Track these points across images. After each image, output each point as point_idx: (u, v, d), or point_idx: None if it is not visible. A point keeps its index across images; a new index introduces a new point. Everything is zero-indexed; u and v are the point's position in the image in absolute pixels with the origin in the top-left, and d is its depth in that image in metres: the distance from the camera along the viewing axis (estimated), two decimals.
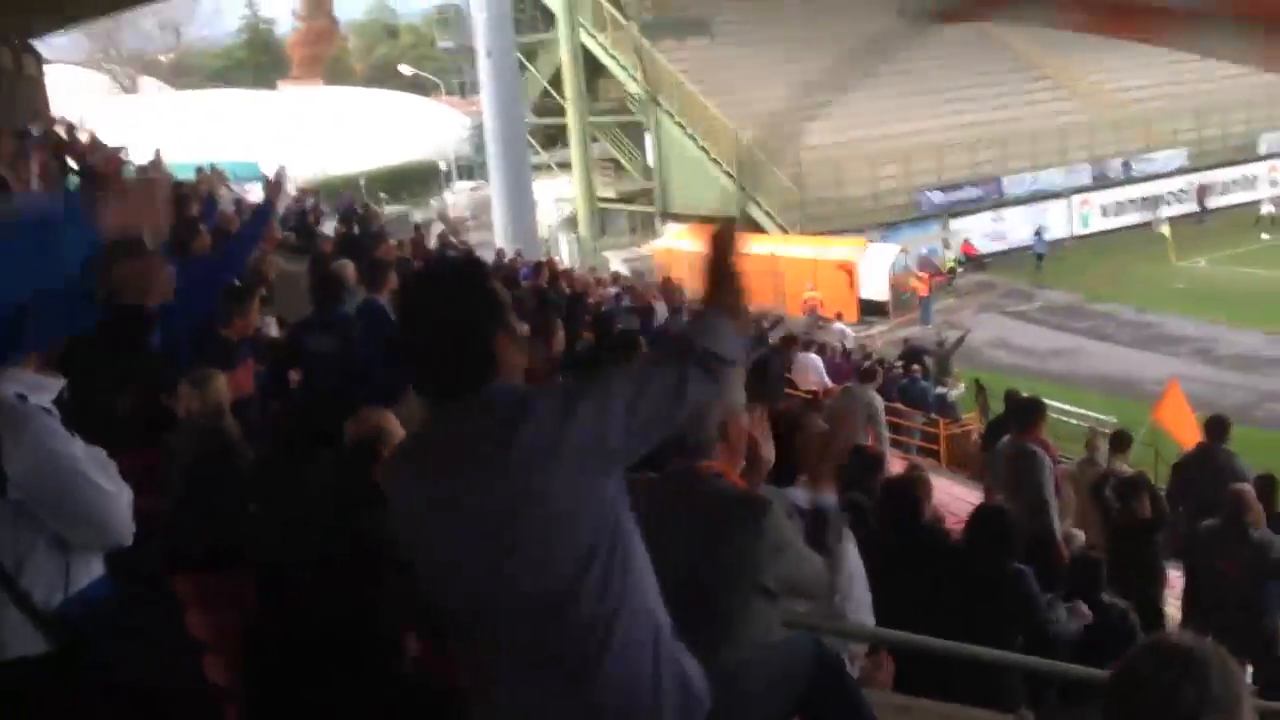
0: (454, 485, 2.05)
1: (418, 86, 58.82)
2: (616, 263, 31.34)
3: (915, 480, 5.39)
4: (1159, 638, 1.70)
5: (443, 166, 48.76)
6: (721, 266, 2.14)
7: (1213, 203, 36.93)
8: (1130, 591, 7.11)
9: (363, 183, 43.90)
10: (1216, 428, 9.47)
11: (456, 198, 47.00)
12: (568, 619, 2.04)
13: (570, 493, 2.01)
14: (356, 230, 17.08)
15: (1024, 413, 8.35)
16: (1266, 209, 32.99)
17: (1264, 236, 32.29)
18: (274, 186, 6.42)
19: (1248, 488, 7.77)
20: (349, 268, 7.43)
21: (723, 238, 2.15)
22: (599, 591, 2.04)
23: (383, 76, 67.67)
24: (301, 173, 34.53)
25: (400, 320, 2.21)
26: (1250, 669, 7.11)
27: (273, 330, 8.06)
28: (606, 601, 2.04)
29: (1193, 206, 36.82)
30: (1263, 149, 38.91)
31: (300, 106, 53.68)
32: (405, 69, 56.44)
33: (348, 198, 26.02)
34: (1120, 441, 10.19)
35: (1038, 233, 32.56)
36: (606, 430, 2.01)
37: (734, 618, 2.75)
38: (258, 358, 6.11)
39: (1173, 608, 8.65)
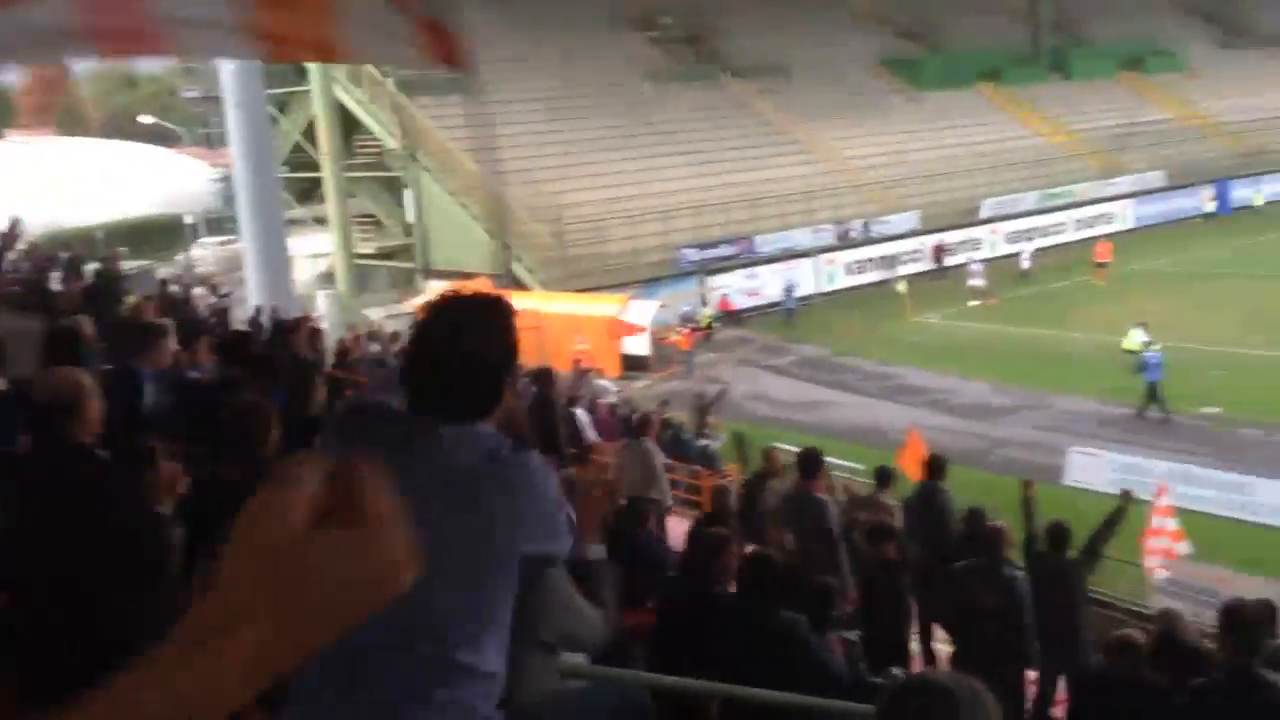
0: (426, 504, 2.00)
1: (159, 136, 56.23)
2: (377, 320, 30.71)
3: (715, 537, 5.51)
4: (920, 675, 1.79)
5: (188, 220, 46.59)
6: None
7: (946, 261, 39.69)
8: (880, 628, 7.45)
9: (100, 236, 41.40)
10: (935, 467, 10.10)
11: (204, 253, 44.97)
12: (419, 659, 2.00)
13: (503, 542, 2.03)
14: (94, 284, 16.04)
15: (809, 462, 8.78)
16: (973, 281, 34.93)
17: (971, 304, 34.49)
18: (7, 237, 5.90)
19: (1004, 525, 8.35)
20: (86, 325, 6.95)
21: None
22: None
23: (121, 126, 64.37)
24: (33, 226, 32.25)
25: (434, 336, 2.17)
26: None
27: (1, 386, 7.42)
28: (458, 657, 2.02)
29: (927, 265, 39.41)
30: (984, 213, 42.18)
31: (30, 157, 50.26)
32: (145, 118, 53.88)
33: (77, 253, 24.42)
34: (885, 477, 10.70)
35: (788, 289, 34.11)
36: (551, 550, 2.18)
37: (513, 674, 2.72)
38: None
39: (916, 641, 9.12)
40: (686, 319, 30.98)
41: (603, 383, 24.51)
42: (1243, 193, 49.03)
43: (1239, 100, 55.65)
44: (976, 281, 34.71)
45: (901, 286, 34.48)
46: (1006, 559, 7.95)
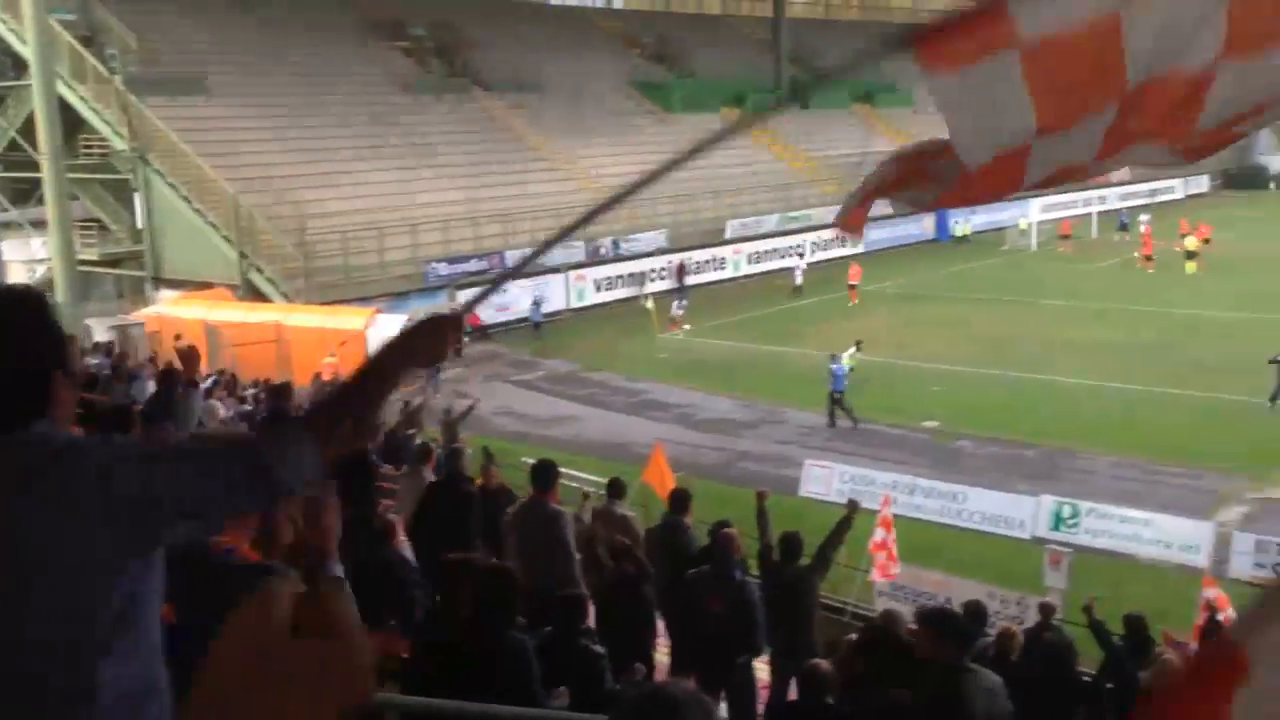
0: None
1: None
2: (101, 330, 28.77)
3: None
4: (648, 686, 1.85)
5: None
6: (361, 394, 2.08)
7: (687, 280, 40.81)
8: (623, 640, 7.55)
9: None
10: (679, 502, 10.30)
11: None
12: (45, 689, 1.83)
13: (89, 549, 1.85)
14: None
15: (543, 475, 8.77)
16: (647, 303, 35.16)
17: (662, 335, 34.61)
18: None
19: (734, 532, 8.63)
20: None
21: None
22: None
23: None
24: None
25: None
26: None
27: None
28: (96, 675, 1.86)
29: (673, 284, 40.42)
30: (729, 233, 43.75)
31: None
32: None
33: None
34: (616, 488, 10.80)
35: (535, 303, 34.22)
36: (161, 494, 1.90)
37: None
38: None
39: (663, 653, 9.31)
40: None
41: None
42: (958, 221, 52.97)
43: None
44: (679, 311, 35.17)
45: (649, 303, 35.24)
46: (737, 564, 8.24)
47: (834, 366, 24.27)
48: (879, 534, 15.10)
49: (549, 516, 8.59)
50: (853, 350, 25.67)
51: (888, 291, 39.49)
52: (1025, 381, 26.83)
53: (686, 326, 34.56)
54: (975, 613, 9.59)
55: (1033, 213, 52.42)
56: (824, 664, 6.70)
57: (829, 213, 47.93)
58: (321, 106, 39.58)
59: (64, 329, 2.09)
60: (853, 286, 38.51)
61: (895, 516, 15.75)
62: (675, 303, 35.56)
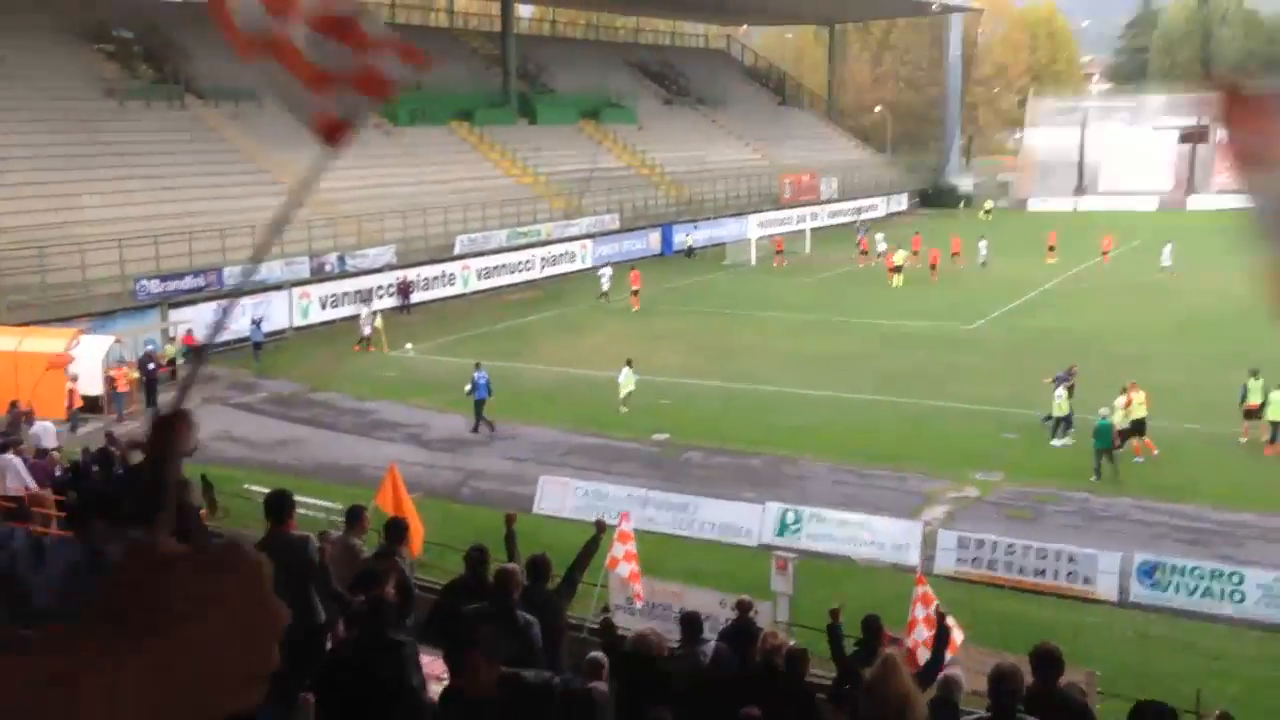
0: None
1: None
2: None
3: None
4: None
5: None
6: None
7: (416, 297, 40.22)
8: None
9: None
10: (350, 517, 10.16)
11: None
12: None
13: None
14: None
15: (278, 504, 8.44)
16: (364, 329, 34.39)
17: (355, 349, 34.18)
18: None
19: (515, 568, 8.53)
20: None
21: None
22: None
23: None
24: None
25: None
26: None
27: None
28: None
29: (400, 301, 39.75)
30: (458, 249, 43.40)
31: None
32: None
33: None
34: (354, 516, 10.37)
35: (255, 323, 32.69)
36: None
37: None
38: None
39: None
40: (148, 357, 28.57)
41: (44, 425, 22.03)
42: (682, 236, 54.69)
43: (680, 152, 62.09)
44: (366, 329, 34.39)
45: (376, 321, 34.47)
46: (518, 603, 8.07)
47: (476, 375, 25.12)
48: (618, 549, 15.28)
49: (296, 544, 8.25)
50: (627, 371, 26.15)
51: (617, 306, 40.24)
52: (748, 392, 27.97)
53: (408, 346, 33.92)
54: (691, 622, 9.85)
55: (750, 229, 54.84)
56: (600, 686, 6.73)
57: (558, 228, 48.50)
58: (16, 112, 36.60)
59: None
60: (635, 292, 39.48)
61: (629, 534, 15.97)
62: (364, 326, 34.44)
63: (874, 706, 7.08)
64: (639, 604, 15.10)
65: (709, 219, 57.35)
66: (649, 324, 37.01)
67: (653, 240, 53.63)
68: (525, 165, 53.16)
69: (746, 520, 19.21)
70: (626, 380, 26.03)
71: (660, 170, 59.75)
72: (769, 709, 7.76)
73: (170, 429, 2.34)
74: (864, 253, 50.25)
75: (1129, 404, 22.50)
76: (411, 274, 40.78)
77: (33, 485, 16.43)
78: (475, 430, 25.08)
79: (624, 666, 7.97)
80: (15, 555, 2.97)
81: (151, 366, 28.00)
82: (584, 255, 49.43)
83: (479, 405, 25.05)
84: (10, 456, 17.12)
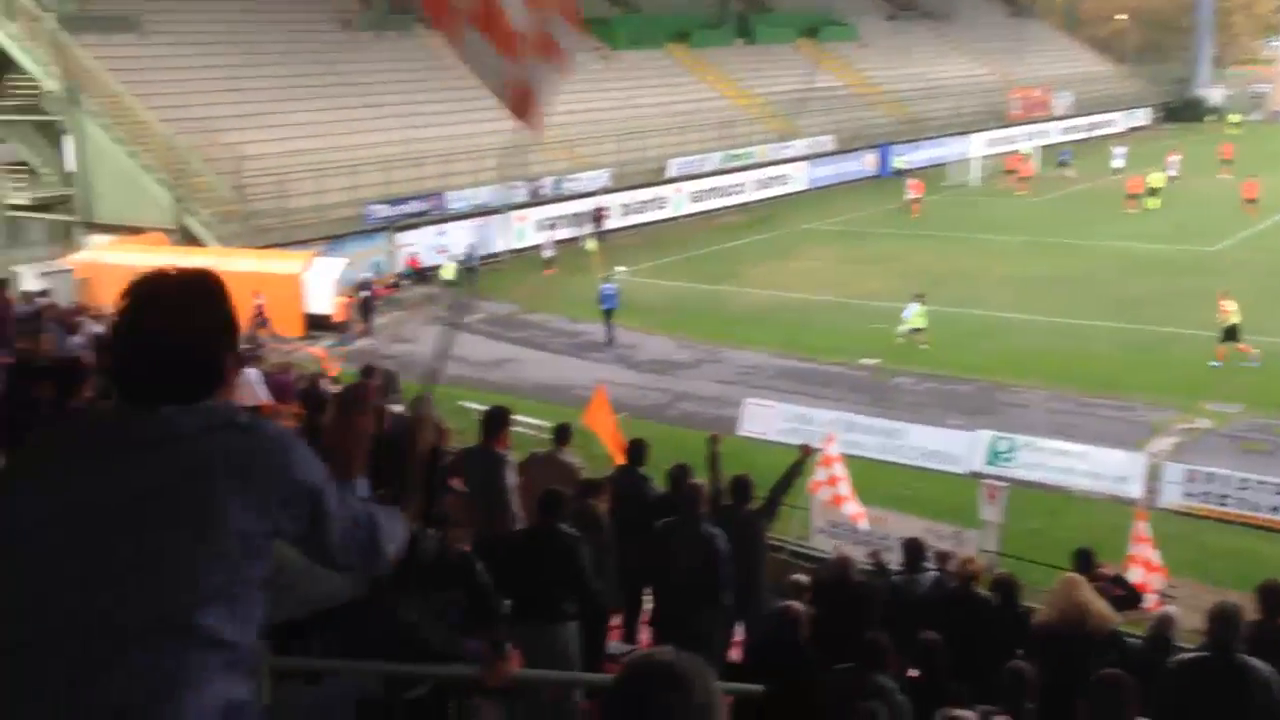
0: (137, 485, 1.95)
1: None
2: (30, 277, 28.16)
3: None
4: (638, 657, 1.81)
5: None
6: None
7: (630, 219, 40.63)
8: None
9: None
10: (634, 451, 10.23)
11: None
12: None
13: (234, 515, 1.99)
14: None
15: (493, 421, 8.85)
16: (546, 253, 35.02)
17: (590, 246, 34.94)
18: None
19: (702, 484, 8.63)
20: None
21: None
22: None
23: None
24: None
25: (136, 325, 2.10)
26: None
27: None
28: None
29: (617, 223, 40.23)
30: (671, 172, 43.49)
31: None
32: None
33: None
34: (562, 434, 10.68)
35: (468, 249, 33.85)
36: (319, 499, 2.17)
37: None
38: None
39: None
40: (361, 285, 29.83)
41: (253, 373, 23.36)
42: (907, 157, 52.93)
43: (902, 70, 59.98)
44: (549, 253, 34.96)
45: (590, 244, 35.04)
46: (704, 515, 8.22)
47: (605, 287, 26.82)
48: (820, 473, 15.17)
49: (493, 461, 8.63)
50: (916, 306, 25.17)
51: (830, 229, 39.57)
52: (961, 317, 27.06)
53: (619, 268, 34.27)
54: (913, 548, 9.78)
55: (974, 148, 52.68)
56: (796, 604, 6.77)
57: (773, 150, 47.87)
58: (259, 45, 38.67)
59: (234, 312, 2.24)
60: (915, 200, 40.31)
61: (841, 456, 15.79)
62: (545, 250, 35.12)
63: (1052, 612, 6.98)
64: (861, 525, 14.92)
65: (930, 138, 55.27)
66: (860, 248, 36.23)
67: (868, 161, 52.19)
68: (741, 86, 52.56)
69: (956, 447, 18.72)
70: (915, 316, 24.95)
71: (881, 89, 57.96)
72: (983, 633, 7.71)
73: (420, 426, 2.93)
74: (1020, 176, 47.26)
75: (1225, 314, 22.43)
76: (624, 197, 41.15)
77: (265, 397, 17.58)
78: (608, 341, 26.43)
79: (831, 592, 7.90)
80: None
81: (365, 293, 29.27)
82: (798, 178, 48.68)
83: (607, 315, 26.53)
84: (249, 370, 18.37)
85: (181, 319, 2.09)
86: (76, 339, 15.70)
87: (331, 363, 22.38)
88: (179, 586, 1.93)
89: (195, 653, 1.93)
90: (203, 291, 2.17)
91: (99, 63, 33.35)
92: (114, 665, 1.88)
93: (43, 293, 24.29)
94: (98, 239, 32.30)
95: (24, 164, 35.57)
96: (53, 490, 1.97)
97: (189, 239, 31.61)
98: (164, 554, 1.92)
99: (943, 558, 10.22)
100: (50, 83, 33.52)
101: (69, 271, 29.05)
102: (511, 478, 8.75)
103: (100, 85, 33.15)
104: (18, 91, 35.14)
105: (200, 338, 2.11)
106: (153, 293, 2.11)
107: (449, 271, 32.62)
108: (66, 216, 34.53)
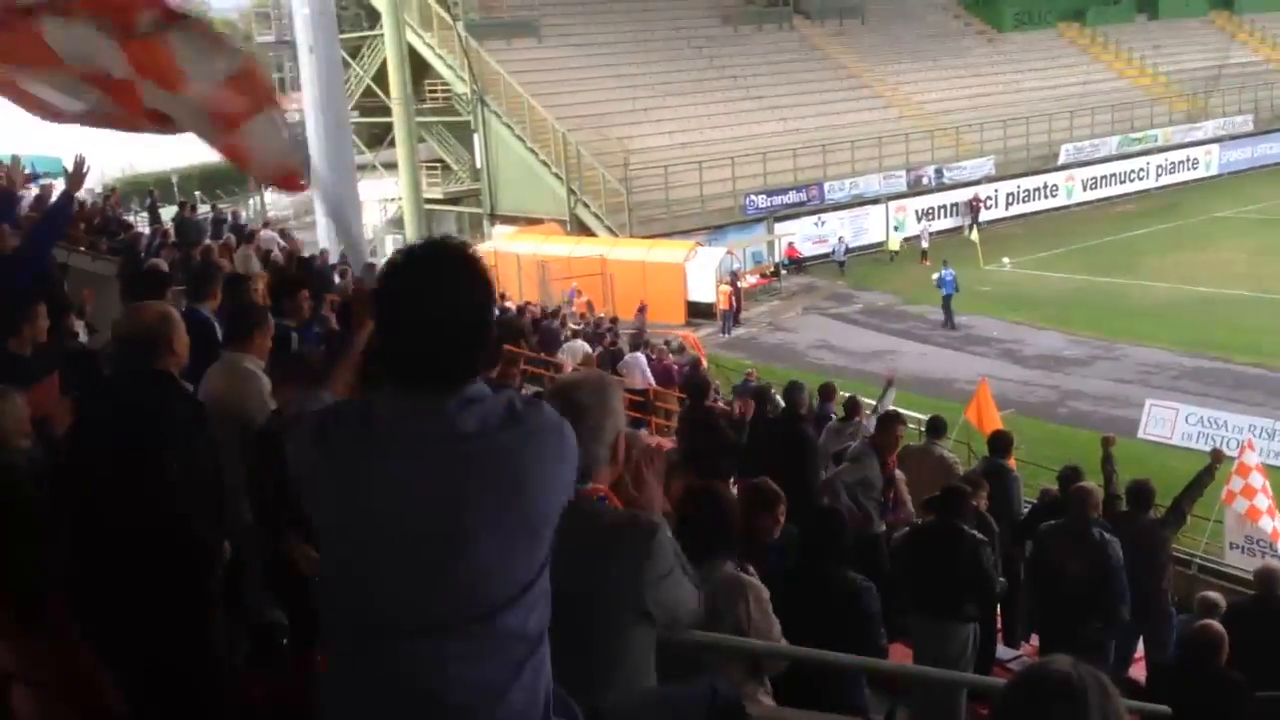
0: (417, 472, 1.94)
1: None
2: None
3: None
4: (1036, 667, 1.72)
5: None
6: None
7: (1014, 209, 38.84)
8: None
9: (175, 180, 42.01)
10: (1000, 444, 9.73)
11: (276, 197, 45.42)
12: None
13: (530, 499, 1.97)
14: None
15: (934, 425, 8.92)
16: (924, 244, 34.32)
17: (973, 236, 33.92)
18: (76, 177, 5.69)
19: (1093, 486, 8.06)
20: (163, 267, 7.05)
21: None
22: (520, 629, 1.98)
23: None
24: (109, 168, 32.86)
25: (402, 301, 1.99)
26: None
27: (82, 337, 7.58)
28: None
29: (1001, 213, 38.63)
30: (1062, 159, 41.14)
31: None
32: None
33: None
34: (936, 427, 10.37)
35: (839, 241, 33.63)
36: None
37: (613, 645, 2.63)
38: (64, 369, 5.54)
39: None
40: (741, 274, 30.23)
41: (637, 357, 24.24)
42: None
43: None
44: (925, 244, 33.95)
45: (974, 234, 33.85)
46: (1096, 520, 7.67)
47: (944, 273, 26.73)
48: (1236, 482, 13.81)
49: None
50: None
51: (1248, 217, 36.02)
52: None
53: (1005, 260, 32.86)
54: None
55: None
56: (1215, 624, 6.22)
57: (1178, 132, 44.19)
58: (645, 43, 40.28)
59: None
60: None
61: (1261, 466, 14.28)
62: (923, 241, 34.49)
63: None
64: (1240, 535, 13.55)
65: None
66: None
67: None
68: (1143, 65, 48.86)
69: None
70: None
71: None
72: None
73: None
74: None
75: None
76: (1008, 186, 39.45)
77: (653, 383, 18.32)
78: (948, 325, 26.53)
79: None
80: None
81: (730, 284, 29.51)
82: (1208, 162, 44.64)
83: (946, 300, 26.52)
84: (638, 355, 19.24)
85: (437, 295, 1.97)
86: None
87: (702, 349, 22.97)
88: (492, 582, 1.93)
89: (515, 645, 1.95)
90: (456, 265, 2.01)
91: (503, 65, 35.98)
92: (447, 661, 1.91)
93: None
94: (502, 229, 34.92)
95: (439, 161, 39.07)
96: (374, 487, 1.95)
97: (581, 229, 33.51)
98: (479, 550, 1.91)
99: None
100: (460, 85, 36.59)
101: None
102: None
103: (504, 86, 35.77)
104: (434, 95, 38.63)
105: (459, 312, 1.98)
106: (405, 270, 2.00)
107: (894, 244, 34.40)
108: (475, 209, 37.61)
